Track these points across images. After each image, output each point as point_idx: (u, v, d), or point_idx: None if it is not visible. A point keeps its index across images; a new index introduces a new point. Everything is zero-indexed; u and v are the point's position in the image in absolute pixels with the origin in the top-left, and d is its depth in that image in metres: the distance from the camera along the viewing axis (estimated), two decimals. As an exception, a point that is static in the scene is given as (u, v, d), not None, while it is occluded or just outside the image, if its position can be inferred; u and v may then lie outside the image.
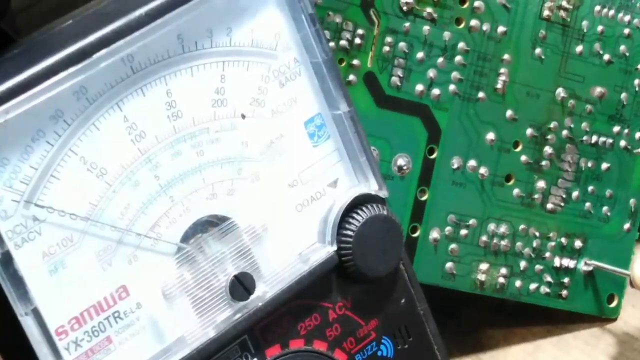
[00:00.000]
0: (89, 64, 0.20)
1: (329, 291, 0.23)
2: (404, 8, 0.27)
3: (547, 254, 0.30)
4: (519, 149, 0.29)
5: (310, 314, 0.23)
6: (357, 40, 0.27)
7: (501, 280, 0.30)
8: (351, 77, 0.27)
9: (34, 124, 0.20)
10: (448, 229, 0.29)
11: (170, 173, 0.21)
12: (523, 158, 0.29)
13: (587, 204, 0.30)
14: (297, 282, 0.22)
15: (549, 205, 0.30)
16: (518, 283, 0.30)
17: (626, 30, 0.30)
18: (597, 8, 0.30)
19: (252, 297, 0.22)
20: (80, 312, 0.20)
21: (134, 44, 0.20)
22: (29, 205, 0.20)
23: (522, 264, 0.30)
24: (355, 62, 0.27)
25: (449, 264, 0.29)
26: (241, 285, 0.22)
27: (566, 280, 0.30)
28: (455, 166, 0.29)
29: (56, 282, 0.20)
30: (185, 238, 0.21)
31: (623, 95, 0.31)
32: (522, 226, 0.30)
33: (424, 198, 0.28)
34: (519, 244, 0.30)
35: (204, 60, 0.22)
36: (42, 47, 0.21)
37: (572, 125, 0.30)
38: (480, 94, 0.29)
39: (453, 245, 0.29)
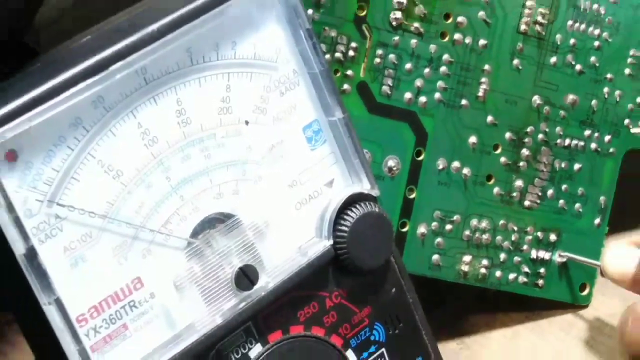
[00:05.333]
0: (106, 76, 0.20)
1: (325, 282, 0.23)
2: (394, 23, 0.27)
3: (525, 247, 0.30)
4: (498, 151, 0.29)
5: (308, 303, 0.23)
6: (351, 53, 0.27)
7: (483, 270, 0.29)
8: (345, 86, 0.27)
9: (55, 131, 0.20)
10: (434, 224, 0.29)
11: (181, 175, 0.21)
12: (502, 159, 0.29)
13: (561, 201, 0.30)
14: (296, 274, 0.22)
15: (526, 203, 0.30)
16: (498, 273, 0.30)
17: (596, 43, 0.30)
18: (570, 23, 0.30)
19: (255, 287, 0.22)
20: (98, 301, 0.20)
21: (147, 57, 0.20)
22: (51, 204, 0.20)
23: (502, 256, 0.30)
24: (349, 72, 0.27)
25: (435, 256, 0.29)
26: (246, 277, 0.22)
27: (542, 270, 0.30)
28: (440, 167, 0.29)
29: (77, 274, 0.20)
30: (195, 234, 0.21)
31: (593, 102, 0.30)
32: (501, 221, 0.30)
33: (412, 196, 0.28)
34: (498, 237, 0.30)
35: (210, 72, 0.21)
36: (63, 60, 0.21)
37: (547, 130, 0.30)
38: (463, 102, 0.29)
39: (439, 239, 0.29)
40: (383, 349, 0.24)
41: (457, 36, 0.28)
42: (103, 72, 0.20)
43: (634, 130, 0.31)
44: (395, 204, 0.28)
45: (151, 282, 0.21)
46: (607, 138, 0.31)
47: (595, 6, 0.30)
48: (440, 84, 0.28)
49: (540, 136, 0.30)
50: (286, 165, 0.23)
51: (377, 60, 0.27)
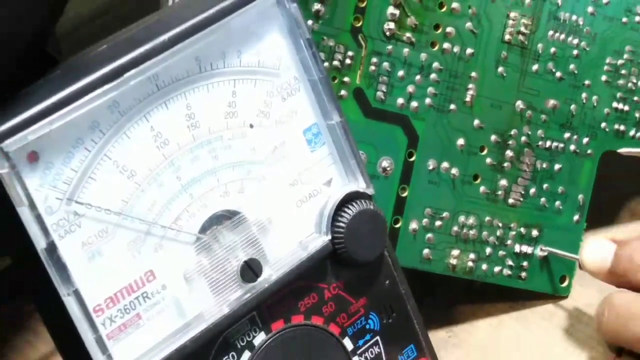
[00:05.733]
0: (121, 82, 0.20)
1: (324, 274, 0.23)
2: (387, 33, 0.28)
3: (509, 242, 0.30)
4: (484, 152, 0.30)
5: (309, 294, 0.23)
6: (348, 61, 0.27)
7: (470, 264, 0.30)
8: (342, 92, 0.27)
9: (74, 134, 0.20)
10: (425, 220, 0.29)
11: (190, 174, 0.22)
12: (488, 160, 0.30)
13: (543, 199, 0.31)
14: (297, 267, 0.23)
15: (510, 200, 0.30)
16: (484, 266, 0.30)
17: (575, 52, 0.31)
18: (551, 33, 0.30)
19: (259, 279, 0.22)
20: (114, 292, 0.21)
21: (159, 65, 0.21)
22: (70, 202, 0.20)
23: (488, 250, 0.30)
24: (346, 79, 0.27)
25: (425, 251, 0.29)
26: (250, 269, 0.22)
27: (525, 263, 0.31)
28: (430, 167, 0.29)
29: (94, 267, 0.20)
30: (203, 229, 0.22)
31: (572, 107, 0.31)
32: (487, 218, 0.30)
33: (404, 194, 0.29)
34: (484, 233, 0.30)
35: (218, 79, 0.22)
36: (81, 67, 0.21)
37: (529, 132, 0.30)
38: (452, 106, 0.29)
39: (429, 235, 0.29)
40: (377, 337, 0.24)
41: (446, 45, 0.29)
42: (118, 79, 0.20)
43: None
44: (389, 201, 0.28)
45: (163, 274, 0.21)
46: (585, 140, 0.31)
47: (574, 18, 0.30)
48: (430, 89, 0.28)
49: (523, 138, 0.30)
50: (288, 166, 0.23)
51: (372, 67, 0.28)
